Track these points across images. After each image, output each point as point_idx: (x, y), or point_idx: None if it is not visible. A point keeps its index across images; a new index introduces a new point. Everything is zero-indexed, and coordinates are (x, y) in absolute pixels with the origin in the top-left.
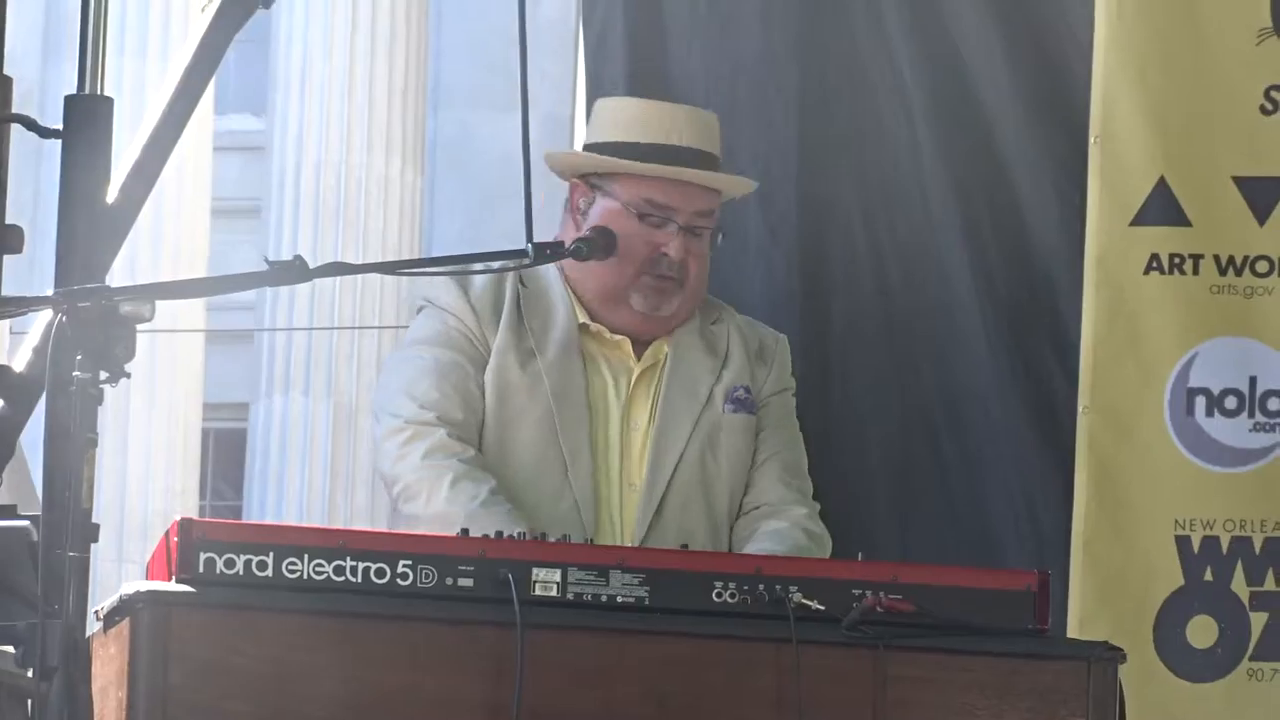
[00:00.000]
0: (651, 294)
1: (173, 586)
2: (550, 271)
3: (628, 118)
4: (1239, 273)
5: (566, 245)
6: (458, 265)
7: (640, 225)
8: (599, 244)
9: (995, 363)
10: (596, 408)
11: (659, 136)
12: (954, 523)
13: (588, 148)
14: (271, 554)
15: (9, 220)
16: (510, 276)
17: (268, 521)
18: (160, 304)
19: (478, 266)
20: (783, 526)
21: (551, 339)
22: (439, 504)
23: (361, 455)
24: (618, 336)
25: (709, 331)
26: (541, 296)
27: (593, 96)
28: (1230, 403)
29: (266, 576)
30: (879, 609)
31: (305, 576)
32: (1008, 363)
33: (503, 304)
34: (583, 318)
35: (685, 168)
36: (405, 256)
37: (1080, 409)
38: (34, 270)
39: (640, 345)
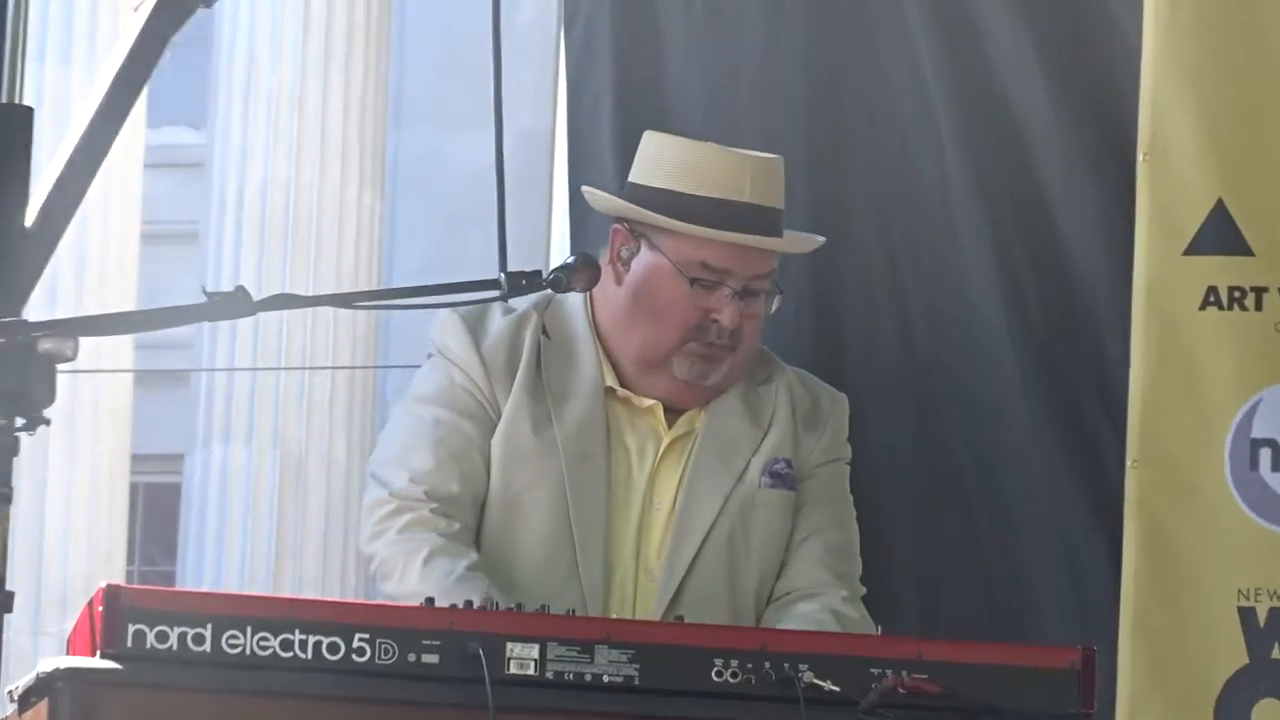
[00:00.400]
0: (699, 362)
1: (97, 663)
2: (579, 321)
3: (684, 162)
4: None
5: (544, 275)
6: (421, 297)
7: (690, 289)
8: (581, 274)
9: (1031, 411)
10: (617, 484)
11: (719, 190)
12: (986, 592)
13: (634, 189)
14: (210, 626)
15: None
16: (531, 323)
17: (205, 589)
18: (84, 341)
19: (444, 299)
20: (810, 609)
21: (572, 402)
22: (412, 582)
23: (313, 515)
24: (649, 402)
25: (754, 395)
26: (565, 350)
27: (576, 107)
28: None
29: (204, 651)
30: (901, 690)
31: (248, 652)
32: (1045, 411)
33: (519, 357)
34: (610, 380)
35: (748, 234)
36: (362, 287)
37: (1129, 462)
38: None
39: (673, 412)
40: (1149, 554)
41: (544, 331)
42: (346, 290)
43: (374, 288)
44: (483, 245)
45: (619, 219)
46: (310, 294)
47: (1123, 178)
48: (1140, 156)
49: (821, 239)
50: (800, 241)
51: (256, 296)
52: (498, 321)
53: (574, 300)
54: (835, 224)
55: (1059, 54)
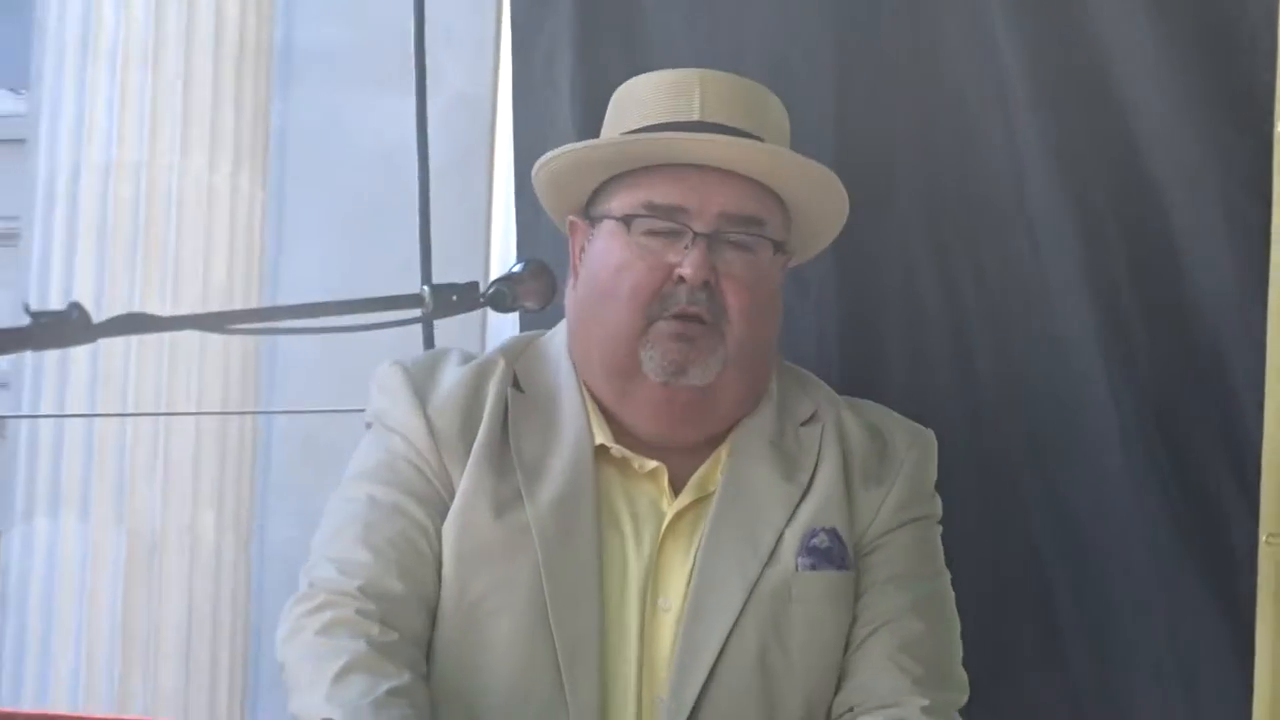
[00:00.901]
0: (670, 346)
1: None
2: (562, 366)
3: (623, 98)
4: None
5: (483, 289)
6: (316, 319)
7: (642, 244)
8: (532, 286)
9: (1134, 471)
10: (611, 577)
11: (663, 115)
12: (1074, 705)
13: None
14: None
15: None
16: (496, 373)
17: (24, 709)
18: None
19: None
20: None
21: (550, 473)
22: (316, 700)
23: (171, 611)
24: (651, 465)
25: (792, 438)
26: (544, 405)
27: (523, 63)
28: None
29: None
30: None
31: None
32: (1155, 477)
33: (478, 418)
34: (602, 436)
35: (677, 134)
36: (239, 305)
37: (1263, 537)
38: None
39: (684, 474)
40: None
41: (515, 383)
42: (217, 309)
43: (254, 305)
44: (400, 248)
45: (572, 212)
46: (168, 314)
47: (1256, 162)
48: (1278, 129)
49: (825, 170)
50: (778, 161)
51: (97, 317)
52: (452, 373)
53: (557, 341)
54: (870, 219)
55: (1175, 9)
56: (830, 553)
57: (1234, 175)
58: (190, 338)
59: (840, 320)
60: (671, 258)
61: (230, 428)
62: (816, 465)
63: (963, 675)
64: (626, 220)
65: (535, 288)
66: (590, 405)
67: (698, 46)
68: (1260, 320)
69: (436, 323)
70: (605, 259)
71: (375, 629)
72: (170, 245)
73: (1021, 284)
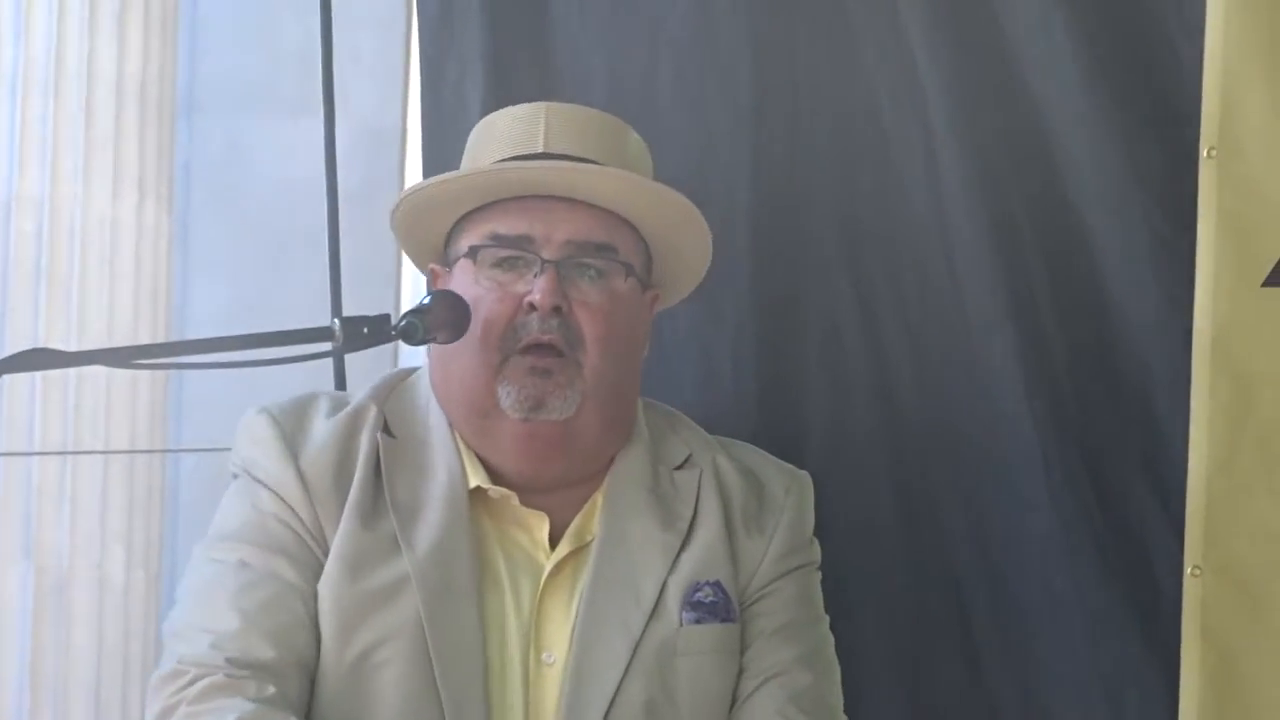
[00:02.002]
0: (525, 380)
1: None
2: (430, 407)
3: (487, 135)
4: None
5: (395, 322)
6: (225, 353)
7: (492, 276)
8: (440, 315)
9: (1057, 501)
10: (491, 630)
11: (507, 150)
12: None
13: None
14: None
15: None
16: (369, 419)
17: None
18: None
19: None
20: None
21: (426, 519)
22: None
23: (80, 653)
24: (532, 512)
25: (667, 484)
26: (415, 449)
27: (431, 93)
28: None
29: None
30: None
31: None
32: (1080, 510)
33: (353, 468)
34: (477, 478)
35: (512, 164)
36: (145, 339)
37: (1188, 569)
38: None
39: (560, 521)
40: (1214, 686)
41: (386, 429)
42: (123, 343)
43: (161, 340)
44: (309, 279)
45: (434, 260)
46: (74, 349)
47: (1180, 183)
48: (1203, 153)
49: (693, 209)
50: (629, 185)
51: (0, 353)
52: (322, 423)
53: (425, 381)
54: (790, 248)
55: (1093, 22)
56: (715, 606)
57: (1157, 197)
58: (96, 373)
59: (757, 353)
60: (521, 288)
61: (138, 464)
62: (695, 514)
63: None
64: (474, 252)
65: (448, 319)
66: (461, 446)
67: (611, 70)
68: (1185, 349)
69: (347, 356)
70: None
71: (252, 687)
72: (74, 279)
73: (942, 314)
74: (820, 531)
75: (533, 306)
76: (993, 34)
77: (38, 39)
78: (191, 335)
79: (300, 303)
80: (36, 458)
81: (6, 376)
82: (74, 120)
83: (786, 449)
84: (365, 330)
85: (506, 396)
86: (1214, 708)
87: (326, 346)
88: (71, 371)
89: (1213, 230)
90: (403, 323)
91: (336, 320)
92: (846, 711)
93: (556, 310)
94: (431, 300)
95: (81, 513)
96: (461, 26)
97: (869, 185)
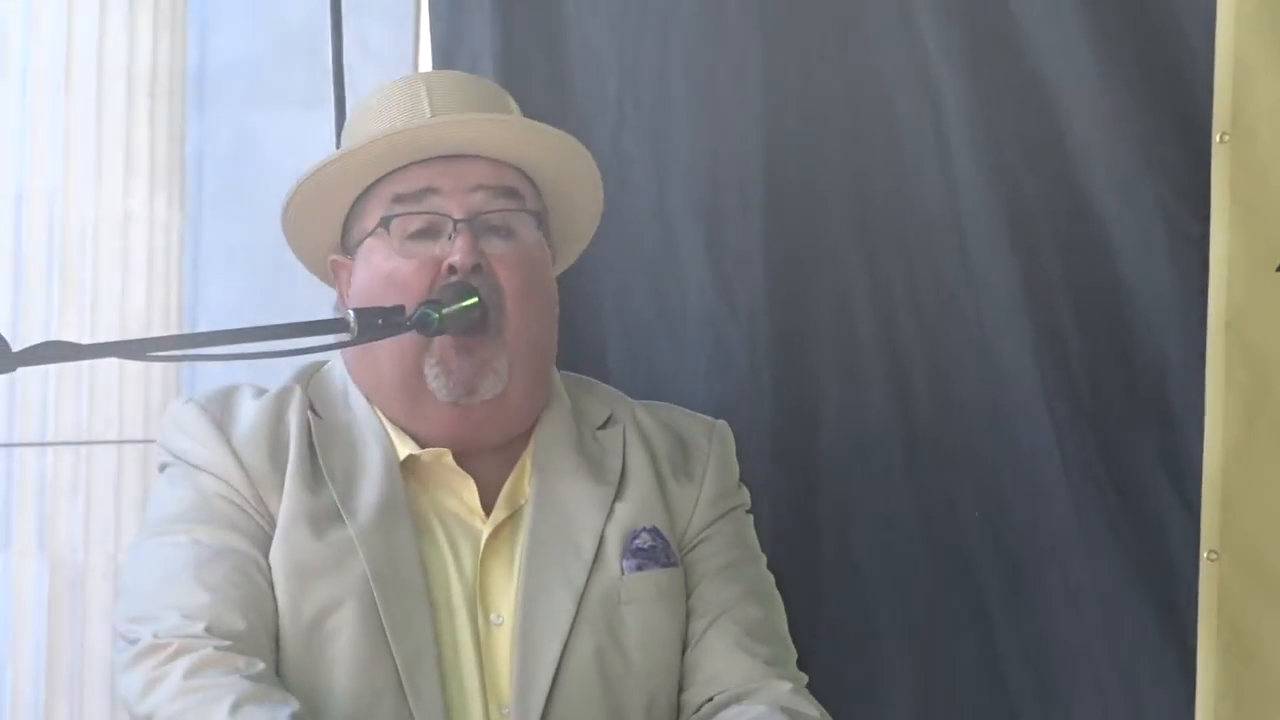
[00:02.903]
0: (454, 361)
1: None
2: (350, 392)
3: (363, 113)
4: None
5: (409, 312)
6: (239, 345)
7: (406, 248)
8: (456, 305)
9: (1074, 488)
10: (436, 593)
11: (397, 122)
12: None
13: None
14: None
15: None
16: (294, 399)
17: None
18: None
19: (270, 348)
20: (756, 713)
21: (363, 489)
22: None
23: (96, 644)
24: (461, 477)
25: (593, 443)
26: (342, 429)
27: None
28: None
29: None
30: None
31: None
32: (1093, 490)
33: (285, 445)
34: (406, 449)
35: (401, 127)
36: (158, 332)
37: (1204, 554)
38: None
39: (492, 487)
40: (1231, 673)
41: (312, 409)
42: (136, 336)
43: (174, 332)
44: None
45: (333, 251)
46: (87, 341)
47: (1193, 169)
48: (1216, 138)
49: (577, 144)
50: (521, 128)
51: (15, 346)
52: (248, 406)
53: (339, 371)
54: (803, 240)
55: (1105, 9)
56: (654, 551)
57: (1171, 186)
58: (110, 365)
59: (772, 340)
60: (437, 252)
61: (152, 456)
62: (624, 466)
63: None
64: (385, 222)
65: (461, 309)
66: (386, 422)
67: (622, 60)
68: (1200, 334)
69: None
70: (372, 275)
71: (241, 662)
72: (87, 272)
73: (956, 301)
74: (836, 522)
75: (452, 269)
76: (1005, 22)
77: (46, 33)
78: (204, 327)
79: (313, 295)
80: (51, 452)
81: (20, 369)
82: (84, 114)
83: (801, 440)
84: (379, 321)
85: (435, 379)
86: (1231, 692)
87: (343, 338)
88: (85, 364)
89: (1226, 216)
90: (417, 313)
91: (351, 311)
92: (863, 700)
93: (477, 269)
94: (445, 290)
95: (97, 505)
96: (472, 17)
97: (882, 176)
